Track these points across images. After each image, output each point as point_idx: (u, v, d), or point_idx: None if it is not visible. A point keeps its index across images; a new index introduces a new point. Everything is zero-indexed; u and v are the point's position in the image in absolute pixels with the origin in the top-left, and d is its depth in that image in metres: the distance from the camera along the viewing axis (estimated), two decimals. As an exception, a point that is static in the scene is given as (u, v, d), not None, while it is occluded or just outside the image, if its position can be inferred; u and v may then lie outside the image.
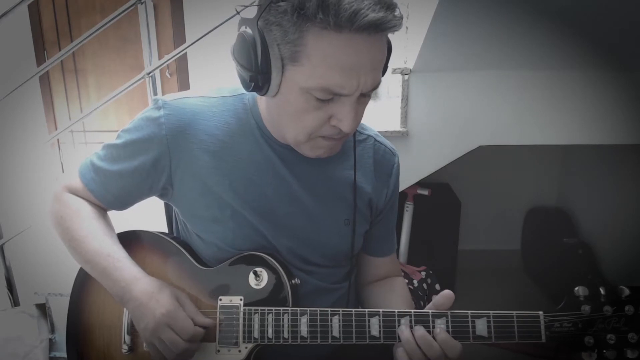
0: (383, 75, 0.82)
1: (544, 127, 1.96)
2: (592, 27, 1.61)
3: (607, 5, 1.50)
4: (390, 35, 0.78)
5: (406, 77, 1.87)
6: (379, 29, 0.71)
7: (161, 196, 0.96)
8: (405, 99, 1.89)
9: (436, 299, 0.82)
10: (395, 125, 1.93)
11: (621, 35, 1.65)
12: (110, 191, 0.94)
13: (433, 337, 0.79)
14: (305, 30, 0.71)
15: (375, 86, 0.77)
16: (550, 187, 3.19)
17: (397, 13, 0.72)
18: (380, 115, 2.13)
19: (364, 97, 0.79)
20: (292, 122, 0.80)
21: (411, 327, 0.81)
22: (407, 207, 2.48)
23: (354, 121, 0.78)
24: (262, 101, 0.89)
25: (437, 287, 2.42)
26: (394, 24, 0.71)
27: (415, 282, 2.33)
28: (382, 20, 0.69)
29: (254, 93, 0.86)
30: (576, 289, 0.80)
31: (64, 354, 1.94)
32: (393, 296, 1.02)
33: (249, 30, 0.76)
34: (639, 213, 2.42)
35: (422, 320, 0.81)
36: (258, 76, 0.76)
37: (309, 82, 0.74)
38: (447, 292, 0.82)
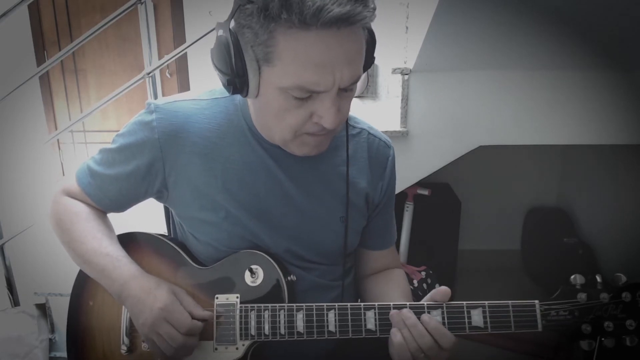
0: (369, 67, 0.82)
1: (544, 127, 1.96)
2: (591, 27, 1.61)
3: (606, 5, 1.50)
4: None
5: (406, 77, 1.87)
6: (347, 23, 0.69)
7: (157, 198, 0.97)
8: (405, 99, 1.89)
9: (433, 295, 0.83)
10: (395, 125, 1.93)
11: (621, 35, 1.65)
12: (106, 195, 0.94)
13: (424, 326, 0.79)
14: (273, 31, 0.70)
15: (355, 80, 0.76)
16: (550, 187, 3.19)
17: (369, 4, 0.70)
18: (380, 115, 2.13)
19: (345, 91, 0.78)
20: (275, 122, 0.80)
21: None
22: (407, 207, 2.48)
23: (336, 117, 0.77)
24: (251, 102, 0.89)
25: (437, 287, 2.41)
26: (364, 16, 0.69)
27: (415, 282, 2.32)
28: (350, 13, 0.68)
29: None
30: (572, 277, 0.81)
31: (64, 354, 1.94)
32: (390, 287, 1.02)
33: (224, 34, 0.76)
34: (638, 213, 2.42)
35: (418, 313, 0.81)
36: (235, 79, 0.76)
37: (284, 81, 0.73)
38: (443, 289, 0.82)
